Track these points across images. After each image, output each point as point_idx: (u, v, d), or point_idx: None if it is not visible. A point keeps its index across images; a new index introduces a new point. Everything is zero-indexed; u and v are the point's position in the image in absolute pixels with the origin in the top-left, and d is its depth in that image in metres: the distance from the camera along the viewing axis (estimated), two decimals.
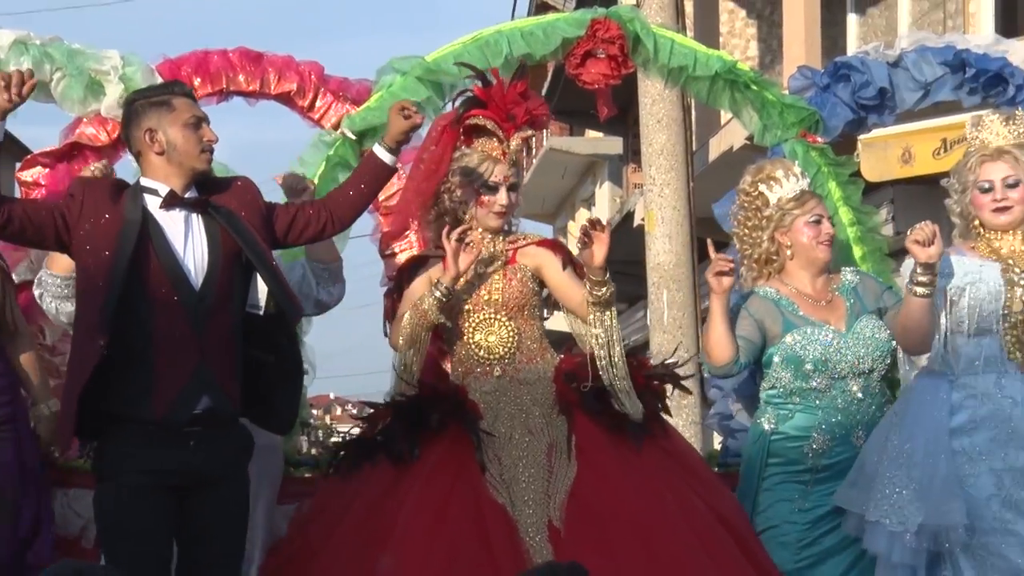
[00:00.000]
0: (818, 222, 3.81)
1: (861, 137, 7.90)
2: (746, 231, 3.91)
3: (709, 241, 3.89)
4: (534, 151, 26.29)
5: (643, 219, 9.24)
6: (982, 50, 4.51)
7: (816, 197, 3.93)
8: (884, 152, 8.18)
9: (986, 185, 3.47)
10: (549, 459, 3.40)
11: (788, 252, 3.83)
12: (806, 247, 3.81)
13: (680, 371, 3.72)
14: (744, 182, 3.96)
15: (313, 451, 6.76)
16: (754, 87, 4.46)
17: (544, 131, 25.39)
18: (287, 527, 3.73)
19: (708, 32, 11.35)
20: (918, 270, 3.30)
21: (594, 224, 3.46)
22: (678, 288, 8.46)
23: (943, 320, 3.42)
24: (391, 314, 3.75)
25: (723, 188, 4.56)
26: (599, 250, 3.43)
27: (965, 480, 3.29)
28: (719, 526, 3.32)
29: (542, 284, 3.67)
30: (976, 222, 3.52)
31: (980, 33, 7.64)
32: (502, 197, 3.60)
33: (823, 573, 3.63)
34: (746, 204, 3.93)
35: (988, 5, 8.20)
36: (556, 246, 3.74)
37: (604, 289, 3.47)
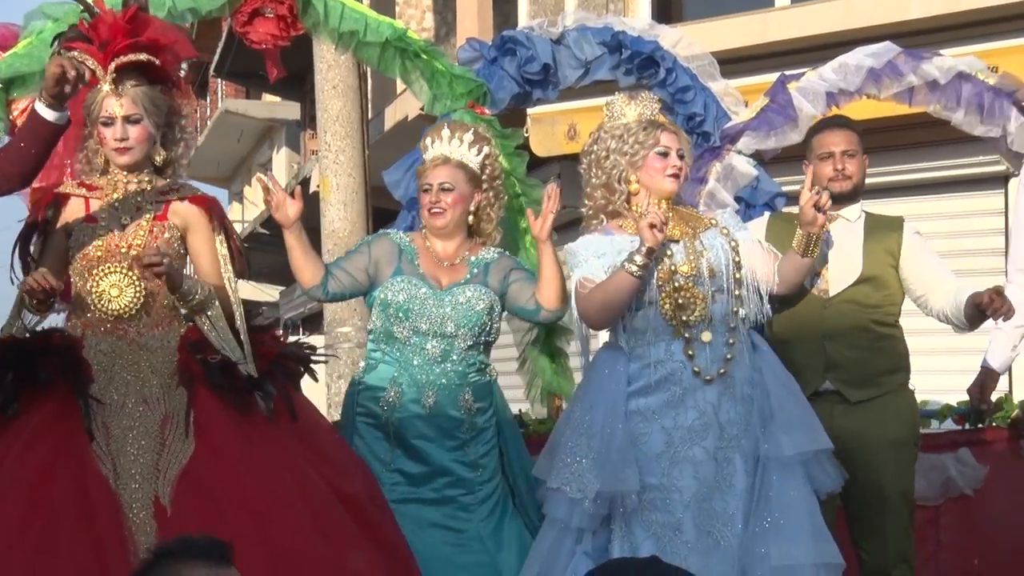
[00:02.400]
0: (427, 191, 3.85)
1: (530, 112, 8.12)
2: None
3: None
4: (207, 108, 25.43)
5: (319, 186, 9.16)
6: (637, 33, 4.73)
7: (444, 166, 3.86)
8: (552, 128, 8.40)
9: (664, 151, 3.59)
10: (163, 432, 3.23)
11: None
12: (423, 217, 3.88)
13: (324, 350, 3.65)
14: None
15: None
16: (424, 56, 4.48)
17: (220, 92, 24.64)
18: None
19: (384, 1, 11.34)
20: (642, 250, 3.38)
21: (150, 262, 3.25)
22: None
23: None
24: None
25: (398, 157, 4.58)
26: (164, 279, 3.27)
27: (639, 439, 3.43)
28: (339, 508, 3.25)
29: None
30: (634, 187, 3.59)
31: (638, 17, 8.01)
32: (117, 131, 3.37)
33: (421, 541, 3.60)
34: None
35: None
36: (211, 207, 3.50)
37: (185, 303, 3.36)
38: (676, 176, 3.59)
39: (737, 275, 3.54)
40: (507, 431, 3.93)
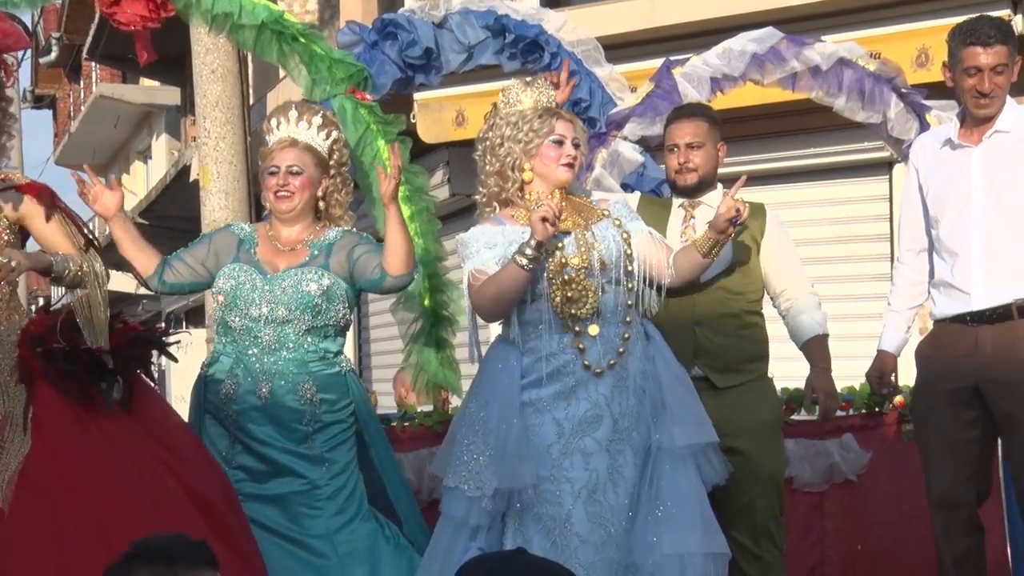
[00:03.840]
0: (273, 173, 3.80)
1: (417, 98, 8.08)
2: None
3: None
4: (81, 92, 24.77)
5: (198, 174, 9.00)
6: (521, 17, 4.72)
7: (292, 148, 3.80)
8: (439, 114, 8.37)
9: (560, 139, 3.59)
10: (1, 432, 3.13)
11: (268, 205, 3.86)
12: (269, 200, 3.83)
13: (180, 335, 3.59)
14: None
15: None
16: (302, 39, 4.42)
17: (94, 76, 24.02)
18: None
19: None
20: (532, 243, 3.38)
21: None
22: None
23: None
24: None
25: None
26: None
27: (531, 430, 3.45)
28: (191, 509, 3.18)
29: (26, 234, 3.42)
30: (527, 175, 3.60)
31: (524, 0, 8.03)
32: None
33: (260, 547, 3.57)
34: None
35: None
36: (40, 192, 3.41)
37: (63, 281, 3.35)
38: (570, 165, 3.60)
39: (629, 267, 3.56)
40: (370, 428, 3.87)
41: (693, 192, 4.05)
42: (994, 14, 6.12)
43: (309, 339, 3.74)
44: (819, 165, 7.66)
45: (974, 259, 3.70)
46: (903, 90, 4.66)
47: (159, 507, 3.10)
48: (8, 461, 3.07)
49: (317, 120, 3.84)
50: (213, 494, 3.31)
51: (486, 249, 3.53)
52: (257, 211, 8.58)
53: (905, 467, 4.33)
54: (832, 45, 4.60)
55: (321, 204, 3.86)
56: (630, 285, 3.55)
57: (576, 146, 3.62)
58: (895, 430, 4.63)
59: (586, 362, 3.46)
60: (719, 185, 4.11)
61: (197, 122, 8.83)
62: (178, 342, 3.56)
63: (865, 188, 7.63)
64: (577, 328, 3.48)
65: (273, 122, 3.84)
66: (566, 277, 3.49)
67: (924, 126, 4.65)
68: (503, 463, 3.38)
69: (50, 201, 3.39)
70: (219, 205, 8.49)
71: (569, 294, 3.48)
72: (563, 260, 3.49)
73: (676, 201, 4.09)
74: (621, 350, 3.50)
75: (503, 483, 3.37)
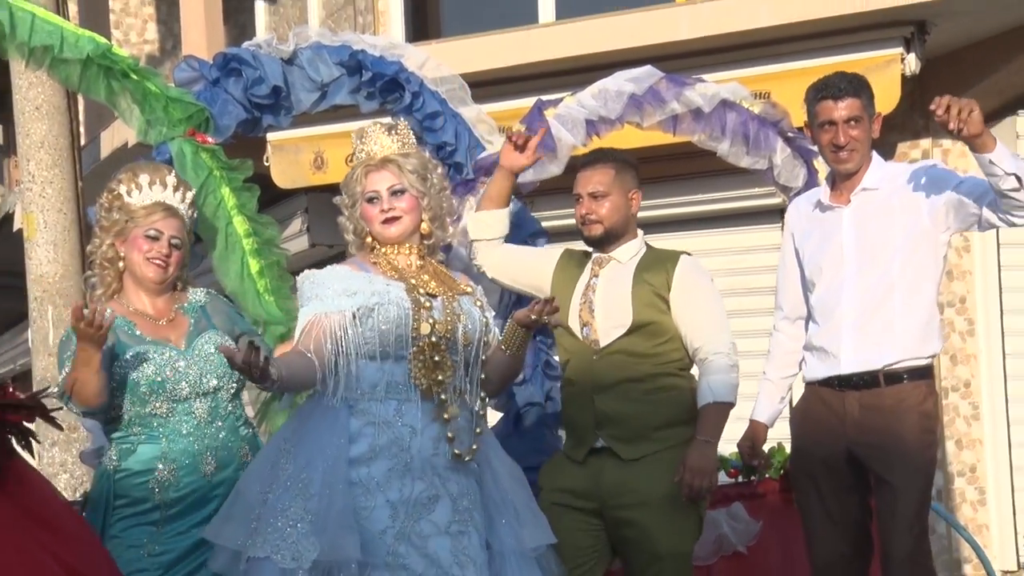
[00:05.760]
0: (155, 239, 3.82)
1: (271, 139, 8.08)
2: (97, 231, 3.89)
3: None
4: None
5: (23, 223, 8.84)
6: (379, 52, 4.75)
7: (173, 219, 3.85)
8: (296, 157, 8.37)
9: (372, 195, 3.63)
10: None
11: (121, 264, 3.85)
12: (136, 262, 3.83)
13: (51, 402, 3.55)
14: (114, 178, 3.91)
15: None
16: (133, 76, 4.39)
17: None
18: None
19: (96, 9, 11.03)
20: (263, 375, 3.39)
21: None
22: (66, 304, 8.12)
23: (347, 341, 3.48)
24: None
25: None
26: None
27: (360, 513, 3.40)
28: None
29: None
30: (369, 239, 3.68)
31: (390, 33, 8.08)
32: None
33: None
34: (105, 203, 3.89)
35: (397, 4, 8.65)
36: None
37: None
38: (391, 220, 3.62)
39: (483, 356, 3.61)
40: None
41: (602, 244, 4.12)
42: (888, 52, 6.47)
43: (234, 404, 3.85)
44: (707, 212, 7.83)
45: (845, 322, 3.90)
46: (789, 134, 4.82)
47: None
48: None
49: (189, 196, 3.95)
50: (95, 567, 3.24)
51: (344, 296, 3.50)
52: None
53: (796, 536, 4.43)
54: (714, 86, 4.74)
55: (179, 283, 3.96)
56: (484, 376, 3.60)
57: (397, 192, 3.63)
58: (786, 497, 4.74)
59: (449, 433, 3.47)
60: (639, 233, 4.18)
61: (20, 164, 8.67)
62: (60, 408, 3.49)
63: (757, 237, 7.81)
64: (440, 400, 3.49)
65: (144, 179, 3.85)
66: (432, 340, 3.50)
67: (812, 172, 4.82)
68: (325, 533, 3.34)
69: None
70: (47, 258, 8.32)
71: (427, 363, 3.49)
72: (432, 321, 3.51)
73: (591, 256, 4.17)
74: (479, 430, 3.55)
75: (324, 555, 3.32)
